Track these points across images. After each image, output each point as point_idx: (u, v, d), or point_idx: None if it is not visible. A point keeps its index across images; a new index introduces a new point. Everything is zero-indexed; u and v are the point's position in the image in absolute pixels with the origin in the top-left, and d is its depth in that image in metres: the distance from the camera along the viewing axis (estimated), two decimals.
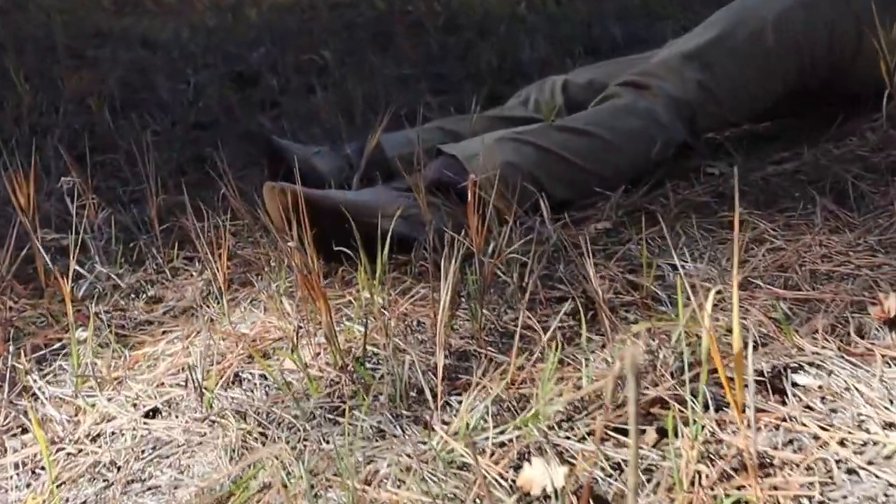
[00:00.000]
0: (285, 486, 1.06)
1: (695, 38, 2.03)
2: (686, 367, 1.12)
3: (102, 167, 2.79)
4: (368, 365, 1.33)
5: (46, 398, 1.45)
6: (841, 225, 1.60)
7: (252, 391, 1.34)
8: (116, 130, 3.08)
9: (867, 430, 1.01)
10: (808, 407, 1.05)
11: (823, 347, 1.19)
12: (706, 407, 1.06)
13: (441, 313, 1.11)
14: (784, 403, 1.06)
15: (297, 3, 5.08)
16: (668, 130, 1.92)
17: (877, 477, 0.94)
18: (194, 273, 1.92)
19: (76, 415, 1.41)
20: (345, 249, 1.71)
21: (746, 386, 0.92)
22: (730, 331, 1.25)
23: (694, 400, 1.06)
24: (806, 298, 1.35)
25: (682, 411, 1.05)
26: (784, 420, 1.04)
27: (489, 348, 1.31)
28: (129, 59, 3.96)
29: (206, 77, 3.65)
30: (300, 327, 1.42)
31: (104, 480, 1.22)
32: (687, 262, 1.53)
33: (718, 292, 1.40)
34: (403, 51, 3.69)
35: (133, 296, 1.90)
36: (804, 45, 2.00)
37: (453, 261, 1.26)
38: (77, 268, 1.87)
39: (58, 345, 1.65)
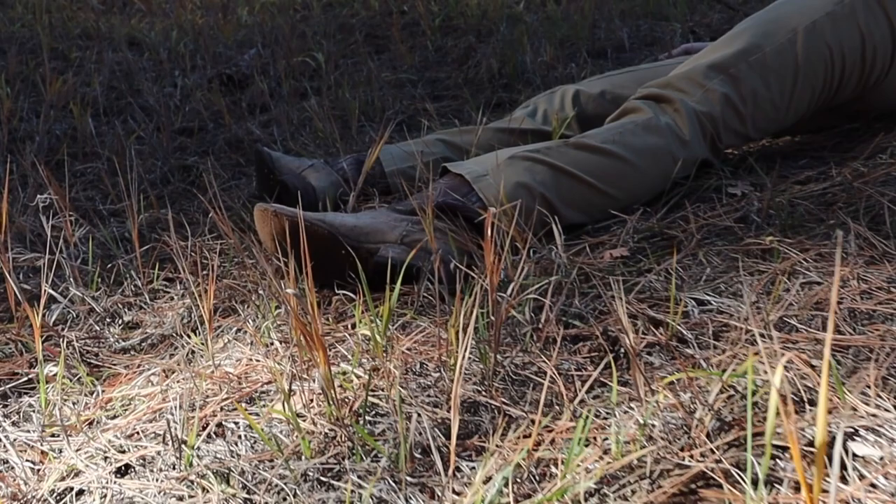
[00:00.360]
0: None
1: (719, 49, 1.90)
2: (722, 425, 0.99)
3: (82, 177, 2.65)
4: (367, 416, 1.19)
5: (10, 442, 1.31)
6: (877, 255, 1.46)
7: (237, 443, 1.20)
8: (99, 136, 2.93)
9: None
10: (873, 486, 0.92)
11: (878, 406, 1.05)
12: (755, 482, 0.93)
13: (458, 372, 0.97)
14: (845, 480, 0.93)
15: (289, 2, 4.93)
16: (690, 148, 1.79)
17: None
18: (175, 296, 1.78)
19: (41, 462, 1.28)
20: (342, 280, 1.58)
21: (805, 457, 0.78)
22: (767, 382, 1.11)
23: (741, 475, 0.93)
24: (849, 343, 1.22)
25: (730, 490, 0.92)
26: None
27: (502, 398, 1.18)
28: (115, 60, 3.81)
29: (194, 80, 3.51)
30: (292, 374, 1.28)
31: None
32: (712, 295, 1.39)
33: (749, 331, 1.27)
34: (399, 53, 3.55)
35: (109, 320, 1.76)
36: (835, 58, 1.87)
37: (467, 301, 1.12)
38: (50, 291, 1.73)
39: (24, 379, 1.51)
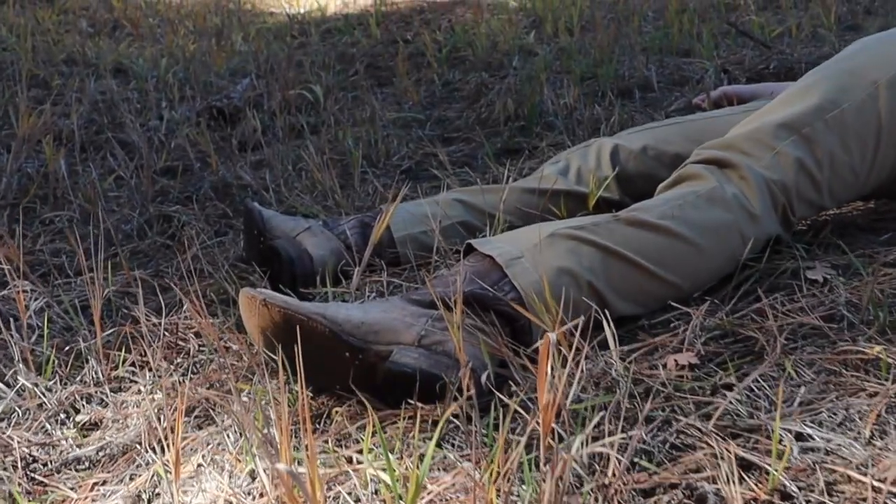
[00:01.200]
0: None
1: (789, 104, 1.62)
2: None
3: (51, 225, 2.36)
4: None
5: None
6: None
7: None
8: (73, 178, 2.64)
9: None
10: None
11: None
12: None
13: None
14: None
15: (286, 28, 4.65)
16: (760, 224, 1.51)
17: None
18: (143, 388, 1.49)
19: None
20: (345, 388, 1.28)
21: None
22: None
23: None
24: None
25: None
26: None
27: None
28: (98, 90, 3.52)
29: (181, 112, 3.22)
30: None
31: None
32: (814, 427, 1.10)
33: (875, 489, 0.98)
34: (403, 87, 3.26)
35: (62, 416, 1.47)
36: None
37: (506, 434, 0.83)
38: None
39: None
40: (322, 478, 1.07)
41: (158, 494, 1.20)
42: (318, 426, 1.27)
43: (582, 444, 0.93)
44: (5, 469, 1.30)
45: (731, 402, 1.17)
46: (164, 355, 1.58)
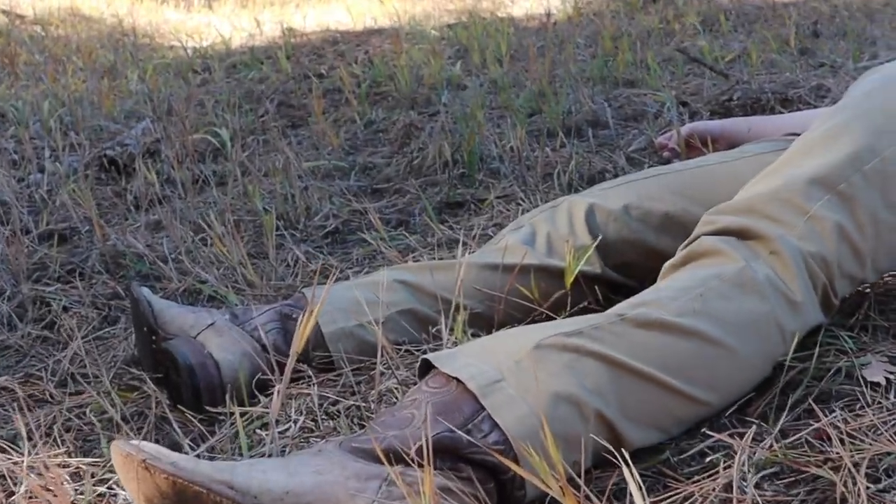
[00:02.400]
0: None
1: (816, 153, 1.29)
2: None
3: None
4: None
5: None
6: None
7: None
8: None
9: None
10: None
11: None
12: None
13: None
14: None
15: (187, 64, 4.24)
16: (803, 313, 1.17)
17: None
18: None
19: None
20: None
21: None
22: None
23: None
24: None
25: None
26: None
27: None
28: None
29: (68, 163, 2.80)
30: None
31: None
32: None
33: None
34: (321, 129, 2.89)
35: None
36: None
37: None
38: None
39: None
40: None
41: None
42: None
43: None
44: None
45: None
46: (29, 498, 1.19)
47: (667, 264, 1.24)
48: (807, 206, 1.23)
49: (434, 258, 1.80)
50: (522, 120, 2.58)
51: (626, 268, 1.52)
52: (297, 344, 1.17)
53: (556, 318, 1.45)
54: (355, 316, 1.41)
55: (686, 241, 1.26)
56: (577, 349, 1.04)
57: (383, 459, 0.92)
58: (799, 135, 1.68)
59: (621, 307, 1.12)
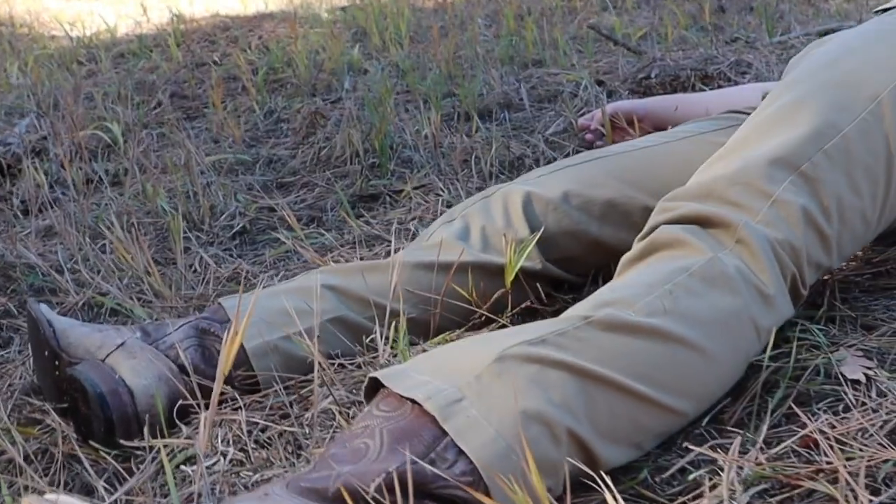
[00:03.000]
0: None
1: (774, 131, 1.20)
2: None
3: None
4: None
5: None
6: None
7: None
8: None
9: None
10: None
11: None
12: None
13: None
14: None
15: (71, 55, 4.01)
16: (776, 306, 1.08)
17: None
18: None
19: None
20: None
21: None
22: None
23: None
24: None
25: None
26: None
27: None
28: None
29: None
30: None
31: None
32: None
33: None
34: (219, 120, 2.72)
35: None
36: None
37: None
38: None
39: None
40: None
41: None
42: None
43: None
44: None
45: None
46: None
47: (625, 258, 1.14)
48: (769, 189, 1.14)
49: (355, 257, 1.68)
50: (438, 104, 2.46)
51: (567, 262, 1.42)
52: (224, 365, 1.04)
53: (496, 320, 1.34)
54: (280, 327, 1.28)
55: (643, 232, 1.16)
56: (541, 359, 0.93)
57: (343, 500, 0.80)
58: (740, 112, 1.61)
59: (585, 308, 1.01)
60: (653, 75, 2.48)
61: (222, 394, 1.24)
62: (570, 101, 2.45)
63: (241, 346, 1.27)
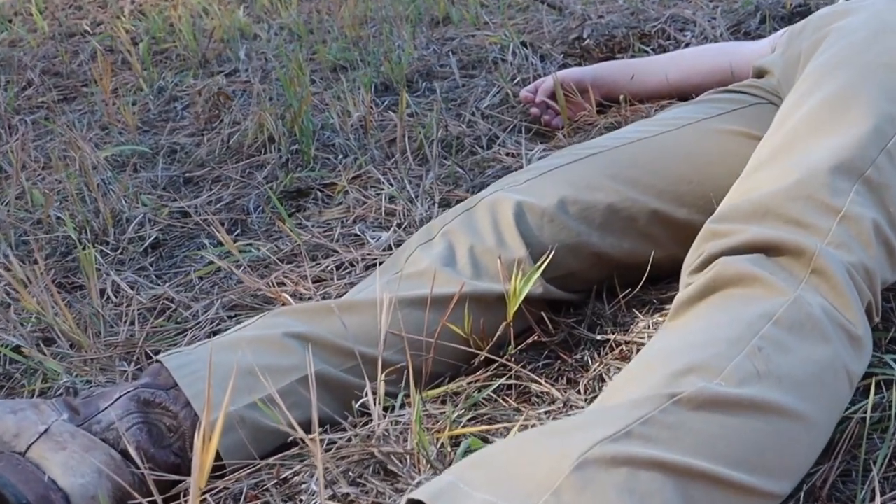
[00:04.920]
0: None
1: (827, 128, 1.02)
2: None
3: None
4: None
5: None
6: None
7: None
8: None
9: None
10: None
11: None
12: None
13: None
14: None
15: None
16: (864, 347, 0.90)
17: None
18: None
19: None
20: None
21: None
22: None
23: None
24: None
25: None
26: None
27: None
28: None
29: None
30: None
31: None
32: None
33: None
34: (103, 103, 2.42)
35: None
36: None
37: None
38: None
39: None
40: None
41: None
42: None
43: None
44: None
45: None
46: None
47: (683, 297, 0.94)
48: (836, 203, 0.96)
49: (304, 277, 1.44)
50: (368, 82, 2.21)
51: (566, 279, 1.22)
52: (199, 477, 0.81)
53: (496, 360, 1.13)
54: (244, 392, 1.05)
55: (694, 261, 0.96)
56: (630, 460, 0.73)
57: None
58: (735, 91, 1.42)
59: (665, 378, 0.81)
60: (585, 35, 2.28)
61: (177, 482, 1.01)
62: (500, 67, 2.24)
63: (198, 420, 1.03)
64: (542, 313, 1.20)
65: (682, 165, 1.26)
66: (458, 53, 2.42)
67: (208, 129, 2.18)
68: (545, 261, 1.12)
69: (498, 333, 1.13)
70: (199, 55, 2.79)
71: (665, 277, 1.29)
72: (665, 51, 2.17)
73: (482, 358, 1.13)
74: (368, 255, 1.51)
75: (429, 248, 1.19)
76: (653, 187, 1.24)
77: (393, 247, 1.53)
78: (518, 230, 1.18)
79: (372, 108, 2.04)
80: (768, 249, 0.93)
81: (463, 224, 1.21)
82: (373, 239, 1.56)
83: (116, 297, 1.49)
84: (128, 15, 3.41)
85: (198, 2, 3.37)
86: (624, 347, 1.16)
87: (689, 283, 0.95)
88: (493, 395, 1.10)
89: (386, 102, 2.18)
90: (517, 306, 1.11)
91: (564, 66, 2.19)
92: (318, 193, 1.80)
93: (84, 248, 1.51)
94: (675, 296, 1.25)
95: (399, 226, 1.59)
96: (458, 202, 1.66)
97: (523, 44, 2.35)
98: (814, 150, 1.00)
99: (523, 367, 1.14)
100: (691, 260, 0.97)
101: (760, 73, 1.46)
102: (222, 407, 0.98)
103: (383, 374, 1.02)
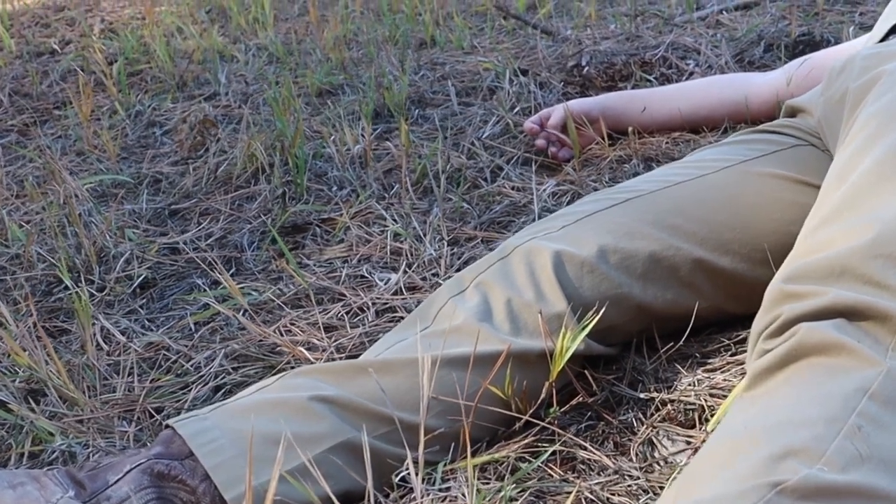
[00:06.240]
0: None
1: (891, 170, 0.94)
2: None
3: None
4: None
5: None
6: None
7: None
8: None
9: None
10: None
11: None
12: None
13: None
14: None
15: None
16: None
17: None
18: None
19: None
20: None
21: None
22: None
23: None
24: None
25: None
26: None
27: None
28: None
29: None
30: None
31: None
32: None
33: None
34: (79, 127, 2.31)
35: None
36: None
37: None
38: None
39: None
40: None
41: None
42: None
43: None
44: None
45: None
46: None
47: (761, 366, 0.85)
48: None
49: (313, 324, 1.35)
50: (368, 111, 2.12)
51: (606, 332, 1.14)
52: None
53: (538, 423, 1.05)
54: (268, 463, 0.95)
55: (769, 325, 0.88)
56: None
57: None
58: (771, 132, 1.35)
59: (761, 463, 0.73)
60: (584, 63, 2.21)
61: None
62: (498, 95, 2.16)
63: (217, 495, 0.94)
64: (585, 371, 1.12)
65: (725, 211, 1.19)
66: (450, 79, 2.34)
67: (193, 158, 2.08)
68: (594, 319, 1.04)
69: (542, 397, 1.04)
70: (175, 77, 2.69)
71: (705, 328, 1.22)
72: (668, 79, 2.10)
73: (523, 422, 1.05)
74: (378, 298, 1.42)
75: (462, 301, 1.11)
76: (695, 234, 1.17)
77: (403, 289, 1.44)
78: (558, 282, 1.10)
79: (371, 138, 1.95)
80: (850, 314, 0.85)
81: (498, 274, 1.12)
82: (381, 281, 1.47)
83: (108, 344, 1.39)
84: (98, 34, 3.29)
85: (171, 21, 3.27)
86: (670, 407, 1.08)
87: (765, 348, 0.87)
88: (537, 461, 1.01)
89: (378, 130, 2.10)
90: (562, 364, 1.02)
91: (565, 94, 2.12)
92: (317, 229, 1.71)
93: (70, 290, 1.40)
94: (718, 349, 1.19)
95: (409, 266, 1.50)
96: (467, 240, 1.58)
97: (519, 71, 2.28)
98: (887, 205, 0.93)
99: (565, 429, 1.06)
100: (765, 323, 0.89)
101: (793, 112, 1.39)
102: (247, 482, 0.89)
103: (424, 442, 0.93)
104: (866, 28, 2.18)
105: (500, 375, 1.03)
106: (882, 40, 1.39)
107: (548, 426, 1.04)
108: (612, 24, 2.63)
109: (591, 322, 1.04)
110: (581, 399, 1.08)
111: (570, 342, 1.02)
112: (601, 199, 1.22)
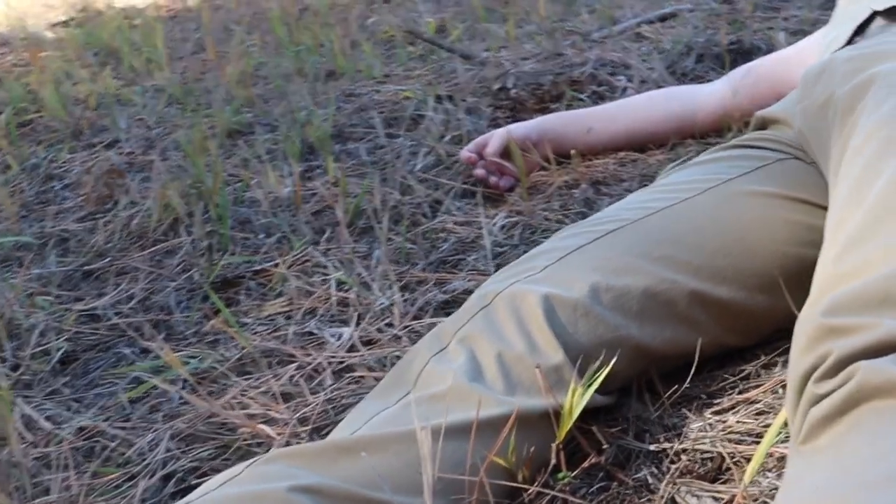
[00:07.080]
0: None
1: None
2: None
3: None
4: None
5: None
6: None
7: None
8: None
9: None
10: None
11: None
12: None
13: None
14: None
15: None
16: None
17: None
18: None
19: None
20: None
21: None
22: None
23: None
24: None
25: None
26: None
27: None
28: None
29: None
30: None
31: None
32: None
33: None
34: None
35: None
36: None
37: None
38: None
39: None
40: None
41: None
42: None
43: None
44: None
45: None
46: None
47: (819, 415, 0.75)
48: None
49: (268, 393, 1.21)
50: (294, 149, 1.98)
51: (605, 381, 1.02)
52: None
53: (548, 493, 0.93)
54: None
55: (818, 365, 0.78)
56: None
57: None
58: (749, 146, 1.26)
59: None
60: (510, 85, 2.11)
61: None
62: (424, 124, 2.04)
63: None
64: (590, 426, 1.00)
65: (717, 237, 1.09)
66: (371, 110, 2.21)
67: (102, 212, 1.92)
68: (602, 371, 0.93)
69: (553, 462, 0.92)
70: (70, 126, 2.51)
71: (705, 364, 1.12)
72: (602, 97, 2.01)
73: (532, 492, 0.93)
74: (333, 357, 1.29)
75: (445, 359, 0.98)
76: (689, 264, 1.07)
77: (359, 345, 1.31)
78: (551, 330, 0.98)
79: (298, 179, 1.82)
80: None
81: (482, 326, 1.00)
82: (333, 337, 1.34)
83: (32, 433, 1.22)
84: None
85: (58, 66, 3.08)
86: (686, 458, 0.97)
87: (818, 392, 0.77)
88: None
89: (300, 169, 1.96)
90: (571, 424, 0.91)
91: (495, 119, 2.01)
92: (251, 283, 1.56)
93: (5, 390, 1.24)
94: (723, 387, 1.09)
95: (360, 318, 1.37)
96: (419, 283, 1.46)
97: (443, 97, 2.17)
98: None
99: (575, 493, 0.94)
100: (811, 363, 0.79)
101: (764, 124, 1.31)
102: None
103: None
104: (793, 33, 2.14)
105: (506, 446, 0.91)
106: (849, 42, 1.31)
107: (559, 494, 0.93)
108: (527, 43, 2.55)
109: (599, 375, 0.92)
110: (596, 462, 0.96)
111: (579, 399, 0.90)
112: (581, 232, 1.11)
